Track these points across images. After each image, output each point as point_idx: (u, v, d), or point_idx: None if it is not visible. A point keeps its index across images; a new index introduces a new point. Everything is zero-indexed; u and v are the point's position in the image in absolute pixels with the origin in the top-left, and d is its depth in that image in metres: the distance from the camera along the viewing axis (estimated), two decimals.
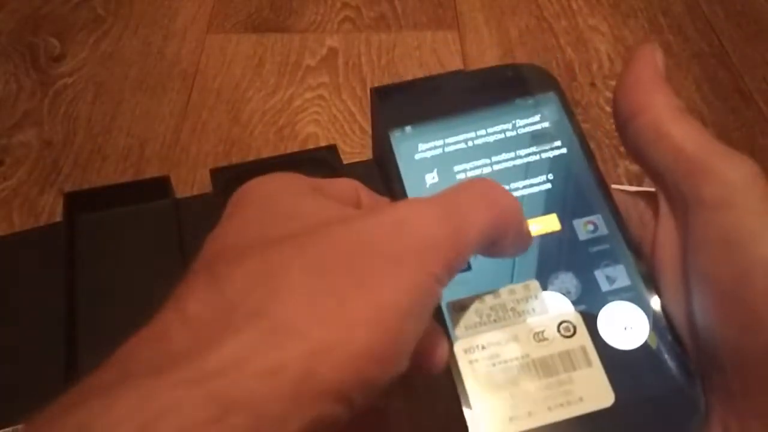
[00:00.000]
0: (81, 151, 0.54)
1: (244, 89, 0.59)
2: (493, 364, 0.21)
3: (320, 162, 0.48)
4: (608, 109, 0.57)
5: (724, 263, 0.18)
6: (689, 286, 0.20)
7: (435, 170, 0.25)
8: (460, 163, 0.25)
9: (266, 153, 0.54)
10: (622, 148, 0.54)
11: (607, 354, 0.21)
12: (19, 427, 0.38)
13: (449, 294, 0.22)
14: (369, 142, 0.53)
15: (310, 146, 0.54)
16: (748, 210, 0.18)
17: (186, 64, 0.61)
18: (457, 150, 0.25)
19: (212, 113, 0.57)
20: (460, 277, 0.21)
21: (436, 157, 0.25)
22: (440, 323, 0.21)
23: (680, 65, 0.61)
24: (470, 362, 0.21)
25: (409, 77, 0.58)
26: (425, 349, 0.19)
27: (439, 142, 0.25)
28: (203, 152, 0.54)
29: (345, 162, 0.48)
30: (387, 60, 0.62)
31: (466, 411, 0.20)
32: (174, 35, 0.64)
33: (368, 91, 0.56)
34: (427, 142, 0.25)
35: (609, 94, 0.59)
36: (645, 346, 0.21)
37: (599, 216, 0.23)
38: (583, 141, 0.25)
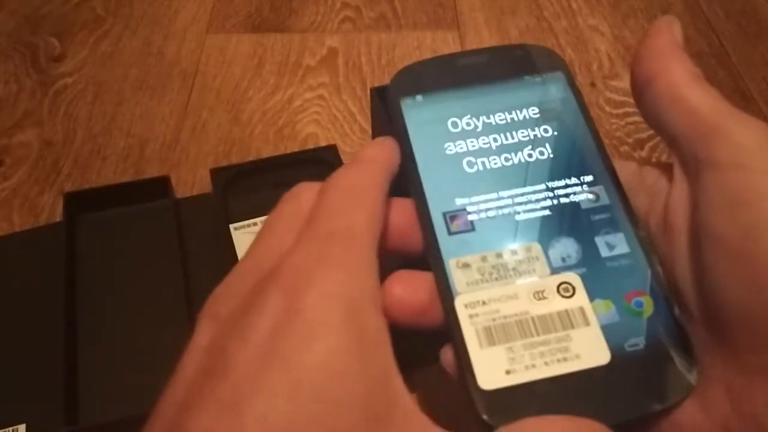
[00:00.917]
0: (81, 151, 0.54)
1: (244, 89, 0.59)
2: (493, 320, 0.21)
3: (320, 162, 0.48)
4: (608, 109, 0.57)
5: (733, 222, 0.19)
6: (699, 246, 0.20)
7: (443, 137, 0.25)
8: (468, 132, 0.25)
9: (266, 153, 0.54)
10: (622, 148, 0.54)
11: (605, 315, 0.22)
12: (20, 427, 0.38)
13: (453, 252, 0.23)
14: (369, 142, 0.53)
15: (310, 146, 0.54)
16: (759, 171, 0.19)
17: (186, 64, 0.61)
18: (465, 120, 0.26)
19: (212, 113, 0.57)
20: (463, 237, 0.23)
21: (444, 126, 0.26)
22: (443, 279, 0.22)
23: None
24: (470, 317, 0.21)
25: None
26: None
27: (449, 112, 0.26)
28: (203, 152, 0.54)
29: (345, 162, 0.48)
30: (387, 60, 0.62)
31: (464, 363, 0.21)
32: (174, 35, 0.64)
33: (368, 91, 0.56)
34: (436, 110, 0.26)
35: (609, 94, 0.59)
36: (642, 309, 0.22)
37: (601, 187, 0.24)
38: (588, 118, 0.26)
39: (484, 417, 0.20)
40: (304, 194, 0.22)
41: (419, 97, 0.26)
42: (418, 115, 0.26)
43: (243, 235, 0.45)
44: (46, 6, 0.67)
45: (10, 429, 0.38)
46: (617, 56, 0.62)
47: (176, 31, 0.65)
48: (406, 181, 0.25)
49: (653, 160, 0.53)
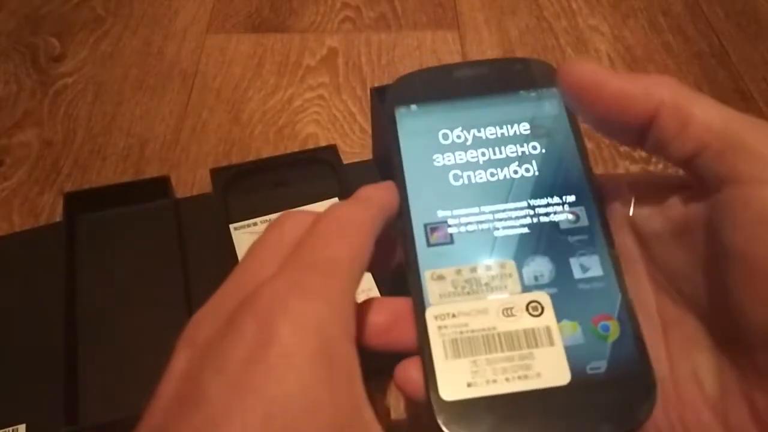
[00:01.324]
0: (81, 151, 0.54)
1: (244, 89, 0.59)
2: (461, 332, 0.22)
3: (320, 162, 0.48)
4: None
5: (760, 241, 0.18)
6: (723, 266, 0.20)
7: (433, 149, 0.26)
8: (458, 144, 0.26)
9: (266, 153, 0.54)
10: (621, 149, 0.54)
11: (570, 336, 0.22)
12: (20, 427, 0.38)
13: (430, 264, 0.23)
14: (369, 142, 0.53)
15: (310, 146, 0.54)
16: None
17: (186, 64, 0.61)
18: (456, 132, 0.26)
19: (212, 113, 0.57)
20: (441, 249, 0.23)
21: (435, 137, 0.26)
22: (417, 289, 0.23)
23: (680, 65, 0.61)
24: (439, 328, 0.22)
25: None
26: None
27: (442, 123, 0.26)
28: (203, 152, 0.54)
29: (345, 162, 0.48)
30: (387, 60, 0.62)
31: (428, 373, 0.21)
32: (174, 35, 0.64)
33: (368, 91, 0.56)
34: (429, 121, 0.26)
35: None
36: (608, 333, 0.22)
37: (582, 208, 0.24)
38: (578, 136, 0.26)
39: (442, 427, 0.20)
40: (287, 223, 0.22)
41: (414, 107, 0.26)
42: (411, 124, 0.26)
43: (243, 235, 0.45)
44: (46, 6, 0.67)
45: (10, 429, 0.38)
46: (617, 56, 0.62)
47: (176, 31, 0.65)
48: (389, 183, 0.25)
49: (653, 159, 0.53)
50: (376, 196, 0.24)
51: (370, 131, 0.53)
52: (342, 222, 0.22)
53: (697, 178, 0.21)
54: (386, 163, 0.27)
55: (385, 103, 0.27)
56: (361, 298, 0.22)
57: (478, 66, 0.28)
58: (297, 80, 0.60)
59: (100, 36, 0.64)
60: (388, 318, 0.23)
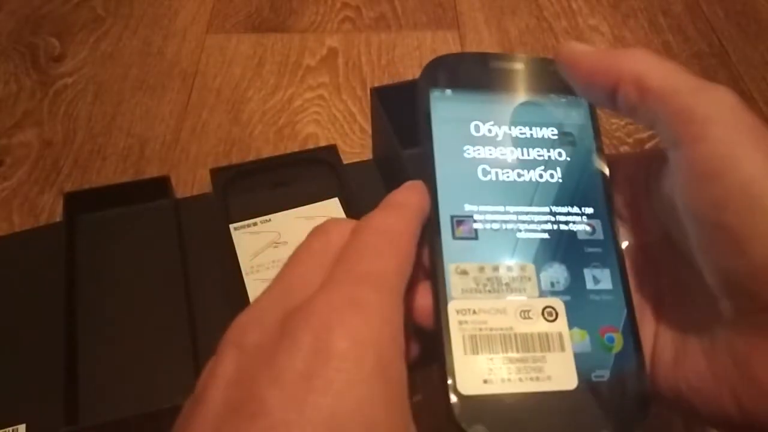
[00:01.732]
0: (81, 151, 0.54)
1: (244, 89, 0.59)
2: (480, 329, 0.22)
3: (320, 162, 0.48)
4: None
5: (704, 195, 0.20)
6: (684, 224, 0.21)
7: (464, 139, 0.25)
8: (489, 138, 0.26)
9: (266, 153, 0.54)
10: (622, 148, 0.54)
11: (579, 343, 0.23)
12: (20, 427, 0.38)
13: (454, 257, 0.23)
14: (369, 142, 0.53)
15: (310, 146, 0.54)
16: (722, 141, 0.19)
17: (186, 64, 0.61)
18: (488, 125, 0.26)
19: (212, 113, 0.57)
20: (466, 243, 0.23)
21: (467, 127, 0.26)
22: (440, 281, 0.23)
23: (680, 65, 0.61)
24: (459, 323, 0.22)
25: (409, 77, 0.58)
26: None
27: (475, 114, 0.26)
28: (203, 152, 0.54)
29: (345, 162, 0.48)
30: (387, 60, 0.62)
31: (447, 365, 0.22)
32: (174, 35, 0.64)
33: (368, 91, 0.56)
34: (463, 109, 0.26)
35: None
36: (612, 344, 0.23)
37: (599, 221, 0.25)
38: (600, 148, 0.26)
39: (457, 419, 0.21)
40: (333, 231, 0.22)
41: (449, 92, 0.26)
42: (445, 110, 0.26)
43: (243, 235, 0.45)
44: (46, 6, 0.67)
45: (10, 429, 0.38)
46: None
47: (176, 31, 0.65)
48: (420, 175, 0.25)
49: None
50: (411, 201, 0.23)
51: (370, 131, 0.53)
52: (385, 234, 0.21)
53: (663, 145, 0.22)
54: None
55: (418, 83, 0.26)
56: None
57: (514, 60, 0.27)
58: (297, 80, 0.60)
59: (100, 36, 0.64)
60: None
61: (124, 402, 0.38)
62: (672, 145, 0.21)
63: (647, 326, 0.24)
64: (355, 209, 0.45)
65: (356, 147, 0.54)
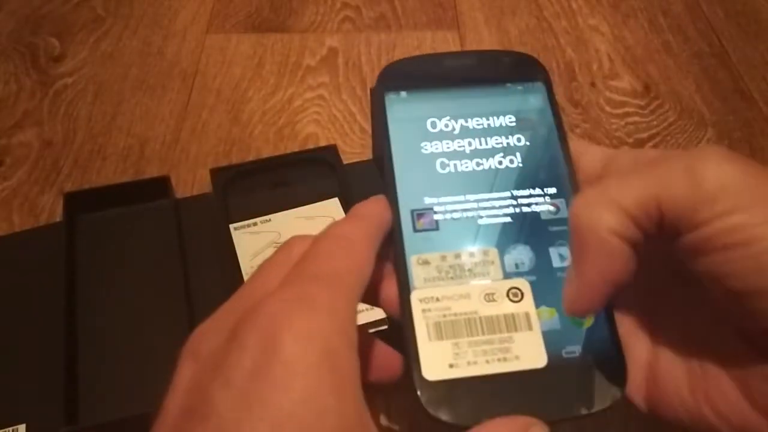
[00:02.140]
0: (81, 151, 0.54)
1: (244, 89, 0.59)
2: (444, 315, 0.23)
3: (320, 162, 0.48)
4: (608, 109, 0.57)
5: (735, 267, 0.19)
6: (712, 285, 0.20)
7: (421, 136, 0.26)
8: (446, 133, 0.26)
9: (266, 153, 0.54)
10: (622, 149, 0.54)
11: (548, 321, 0.23)
12: (20, 427, 0.38)
13: (415, 249, 0.24)
14: (369, 142, 0.53)
15: (310, 146, 0.54)
16: (733, 212, 0.19)
17: (186, 64, 0.61)
18: (444, 121, 0.27)
19: (212, 113, 0.57)
20: (427, 235, 0.24)
21: (423, 125, 0.26)
22: (402, 273, 0.24)
23: (680, 65, 0.61)
24: (423, 311, 0.23)
25: None
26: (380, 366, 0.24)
27: (430, 111, 0.27)
28: (203, 152, 0.54)
29: (345, 162, 0.48)
30: (387, 60, 0.62)
31: (412, 354, 0.22)
32: (174, 35, 0.64)
33: (368, 91, 0.56)
34: (418, 108, 0.27)
35: (609, 94, 0.59)
36: (583, 320, 0.23)
37: (563, 200, 0.25)
38: (561, 130, 0.27)
39: (424, 405, 0.21)
40: (296, 243, 0.23)
41: (403, 94, 0.27)
42: (400, 111, 0.27)
43: (243, 235, 0.45)
44: (46, 6, 0.67)
45: (10, 429, 0.38)
46: (617, 56, 0.62)
47: (176, 31, 0.65)
48: (381, 175, 0.26)
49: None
50: (371, 212, 0.24)
51: (370, 131, 0.53)
52: (341, 238, 0.22)
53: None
54: (376, 150, 0.27)
55: (375, 89, 0.28)
56: (360, 318, 0.22)
57: (467, 56, 0.29)
58: (297, 80, 0.60)
59: (100, 36, 0.64)
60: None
61: (124, 402, 0.38)
62: (684, 230, 0.20)
63: (640, 342, 0.24)
64: None
65: (356, 147, 0.54)
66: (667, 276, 0.24)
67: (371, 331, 0.36)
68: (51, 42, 0.63)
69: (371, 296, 0.24)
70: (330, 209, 0.46)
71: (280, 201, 0.46)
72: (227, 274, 0.43)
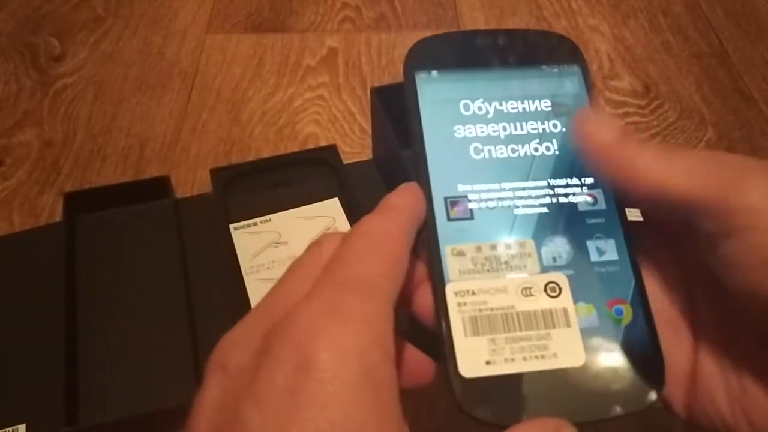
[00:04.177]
0: (81, 151, 0.54)
1: (244, 89, 0.59)
2: (480, 310, 0.22)
3: (320, 162, 0.48)
4: (608, 108, 0.57)
5: None
6: (749, 304, 0.20)
7: (454, 119, 0.25)
8: (479, 116, 0.25)
9: (266, 153, 0.54)
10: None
11: (586, 318, 0.22)
12: (20, 427, 0.38)
13: (450, 239, 0.23)
14: (369, 142, 0.53)
15: (310, 146, 0.54)
16: None
17: (186, 64, 0.61)
18: (478, 103, 0.25)
19: (212, 113, 0.57)
20: (461, 224, 0.23)
21: (456, 107, 0.25)
22: (437, 264, 0.22)
23: (680, 65, 0.61)
24: (458, 304, 0.22)
25: None
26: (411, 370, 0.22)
27: (463, 93, 0.25)
28: (203, 152, 0.54)
29: (345, 162, 0.48)
30: (387, 60, 0.62)
31: (447, 349, 0.21)
32: (174, 35, 0.64)
33: (368, 91, 0.56)
34: (450, 89, 0.25)
35: (609, 94, 0.59)
36: (621, 317, 0.22)
37: (600, 191, 0.24)
38: None
39: (460, 403, 0.20)
40: (325, 243, 0.21)
41: (435, 73, 0.26)
42: (432, 92, 0.25)
43: (243, 235, 0.45)
44: (46, 6, 0.67)
45: (10, 429, 0.38)
46: (617, 56, 0.62)
47: (176, 31, 0.65)
48: (412, 159, 0.24)
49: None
50: (403, 203, 0.23)
51: (370, 131, 0.53)
52: (373, 236, 0.21)
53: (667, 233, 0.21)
54: (404, 133, 0.26)
55: (404, 67, 0.26)
56: None
57: (501, 35, 0.27)
58: (297, 80, 0.60)
59: (100, 36, 0.64)
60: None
61: (124, 402, 0.38)
62: (720, 237, 0.20)
63: (681, 346, 0.23)
64: (355, 209, 0.45)
65: (356, 147, 0.54)
66: (708, 282, 0.23)
67: None
68: (51, 42, 0.63)
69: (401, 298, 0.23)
70: (330, 209, 0.46)
71: (280, 201, 0.46)
72: (227, 274, 0.43)
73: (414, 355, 0.23)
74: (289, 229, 0.45)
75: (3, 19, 0.65)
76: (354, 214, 0.45)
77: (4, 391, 0.39)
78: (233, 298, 0.42)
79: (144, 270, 0.45)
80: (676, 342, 0.23)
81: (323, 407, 0.17)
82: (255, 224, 0.45)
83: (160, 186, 0.48)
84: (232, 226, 0.45)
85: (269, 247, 0.44)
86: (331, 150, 0.49)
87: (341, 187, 0.47)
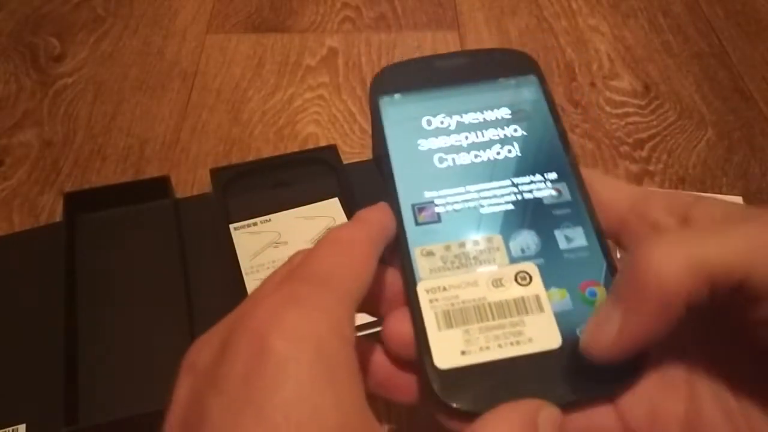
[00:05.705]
0: (81, 151, 0.54)
1: (244, 89, 0.59)
2: (452, 304, 0.23)
3: (320, 162, 0.48)
4: (608, 109, 0.57)
5: None
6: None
7: (417, 134, 0.27)
8: (441, 129, 0.27)
9: (266, 153, 0.54)
10: (621, 148, 0.54)
11: (559, 302, 0.23)
12: (20, 427, 0.38)
13: (418, 241, 0.24)
14: (369, 142, 0.53)
15: (310, 146, 0.54)
16: None
17: (186, 64, 0.61)
18: (439, 118, 0.27)
19: (212, 113, 0.57)
20: (429, 227, 0.24)
21: (418, 123, 0.27)
22: (407, 265, 0.23)
23: (680, 65, 0.61)
24: (430, 301, 0.23)
25: None
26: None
27: (424, 110, 0.27)
28: (203, 152, 0.54)
29: (345, 162, 0.48)
30: (387, 60, 0.62)
31: (422, 344, 0.22)
32: (174, 35, 0.64)
33: (368, 91, 0.56)
34: (412, 109, 0.27)
35: (609, 94, 0.59)
36: (595, 298, 0.23)
37: (564, 184, 0.25)
38: (557, 119, 0.27)
39: (438, 394, 0.21)
40: (299, 255, 0.23)
41: (397, 96, 0.28)
42: (395, 112, 0.27)
43: (243, 235, 0.45)
44: (46, 6, 0.67)
45: (10, 429, 0.38)
46: (617, 56, 0.62)
47: (176, 31, 0.65)
48: (381, 175, 0.26)
49: (653, 160, 0.53)
50: (372, 217, 0.24)
51: (370, 131, 0.53)
52: (340, 242, 0.22)
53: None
54: (376, 151, 0.27)
55: (369, 93, 0.28)
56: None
57: (458, 56, 0.29)
58: (297, 80, 0.60)
59: (100, 36, 0.64)
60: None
61: (124, 402, 0.38)
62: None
63: (676, 394, 0.21)
64: (355, 209, 0.45)
65: (356, 147, 0.54)
66: (711, 323, 0.22)
67: (371, 331, 0.36)
68: (51, 42, 0.63)
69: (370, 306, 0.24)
70: (330, 209, 0.46)
71: (280, 201, 0.46)
72: (227, 274, 0.43)
73: (388, 367, 0.23)
74: (289, 229, 0.45)
75: (3, 19, 0.65)
76: (354, 213, 0.45)
77: (4, 391, 0.39)
78: (233, 299, 0.42)
79: (144, 270, 0.45)
80: (671, 388, 0.22)
81: (277, 387, 0.17)
82: (255, 224, 0.45)
83: (160, 186, 0.48)
84: (232, 226, 0.45)
85: (269, 247, 0.44)
86: (331, 150, 0.49)
87: (341, 187, 0.47)
